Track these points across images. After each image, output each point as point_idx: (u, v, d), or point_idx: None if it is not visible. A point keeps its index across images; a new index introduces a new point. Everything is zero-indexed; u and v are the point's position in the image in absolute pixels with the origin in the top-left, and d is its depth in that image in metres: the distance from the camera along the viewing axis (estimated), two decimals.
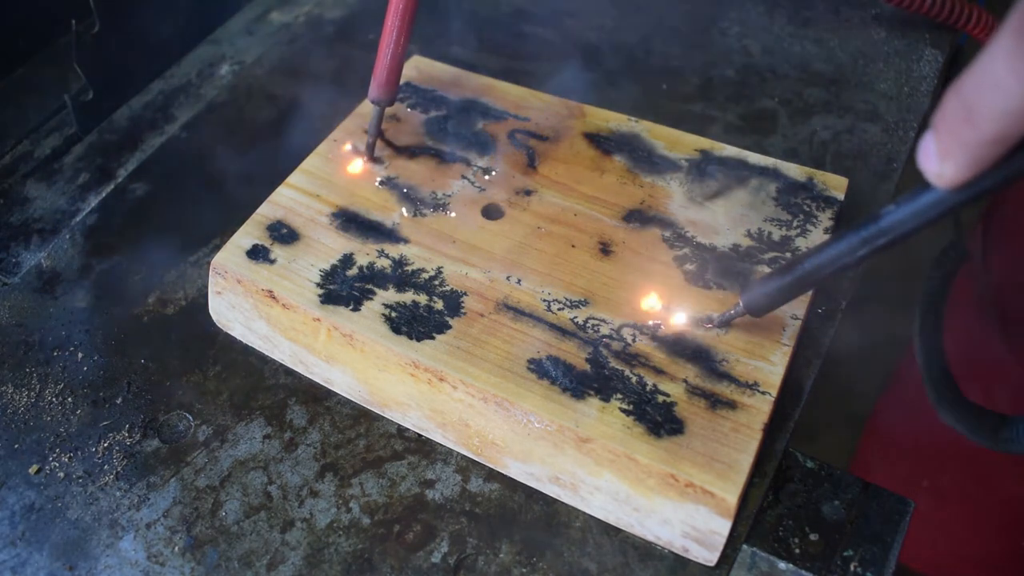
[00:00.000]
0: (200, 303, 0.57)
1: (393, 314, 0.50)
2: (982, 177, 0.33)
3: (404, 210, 0.56)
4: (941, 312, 0.68)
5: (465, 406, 0.48)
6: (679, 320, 0.50)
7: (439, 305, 0.51)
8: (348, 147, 0.59)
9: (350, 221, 0.55)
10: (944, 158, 0.33)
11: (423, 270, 0.53)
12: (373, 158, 0.59)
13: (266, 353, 0.54)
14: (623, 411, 0.46)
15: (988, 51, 0.30)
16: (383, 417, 0.51)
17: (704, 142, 0.60)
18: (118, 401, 0.52)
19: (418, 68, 0.65)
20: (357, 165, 0.59)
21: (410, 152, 0.60)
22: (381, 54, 0.57)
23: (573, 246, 0.54)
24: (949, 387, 0.61)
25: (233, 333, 0.55)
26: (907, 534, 0.47)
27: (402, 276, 0.52)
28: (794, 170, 0.58)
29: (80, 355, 0.55)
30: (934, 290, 0.68)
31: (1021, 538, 0.86)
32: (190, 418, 0.52)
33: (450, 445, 0.50)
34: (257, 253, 0.54)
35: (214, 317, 0.56)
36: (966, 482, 0.87)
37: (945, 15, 0.69)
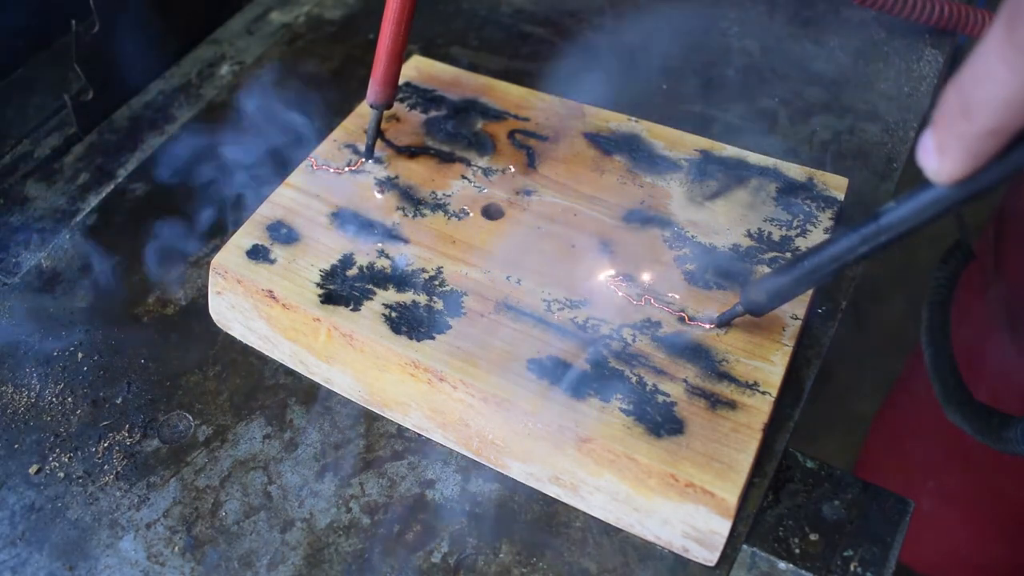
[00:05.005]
0: (200, 303, 0.57)
1: (393, 314, 0.50)
2: (980, 173, 0.33)
3: (404, 210, 0.56)
4: (948, 311, 0.67)
5: (465, 406, 0.48)
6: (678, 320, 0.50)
7: (439, 305, 0.51)
8: (347, 148, 0.60)
9: (350, 221, 0.55)
10: (942, 153, 0.33)
11: (423, 270, 0.53)
12: (372, 159, 0.59)
13: (266, 353, 0.54)
14: (623, 411, 0.46)
15: (982, 44, 0.30)
16: (383, 417, 0.51)
17: (704, 142, 0.60)
18: (118, 401, 0.52)
19: (418, 68, 0.65)
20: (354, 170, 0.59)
21: (410, 152, 0.60)
22: (378, 60, 0.57)
23: (573, 246, 0.54)
24: (957, 386, 0.61)
25: (233, 333, 0.55)
26: (911, 535, 0.47)
27: (402, 276, 0.52)
28: (794, 170, 0.58)
29: (80, 355, 0.55)
30: (940, 290, 0.68)
31: None
32: (190, 418, 0.52)
33: (450, 445, 0.50)
34: (257, 253, 0.54)
35: (214, 317, 0.56)
36: (971, 484, 0.87)
37: (925, 17, 0.68)
